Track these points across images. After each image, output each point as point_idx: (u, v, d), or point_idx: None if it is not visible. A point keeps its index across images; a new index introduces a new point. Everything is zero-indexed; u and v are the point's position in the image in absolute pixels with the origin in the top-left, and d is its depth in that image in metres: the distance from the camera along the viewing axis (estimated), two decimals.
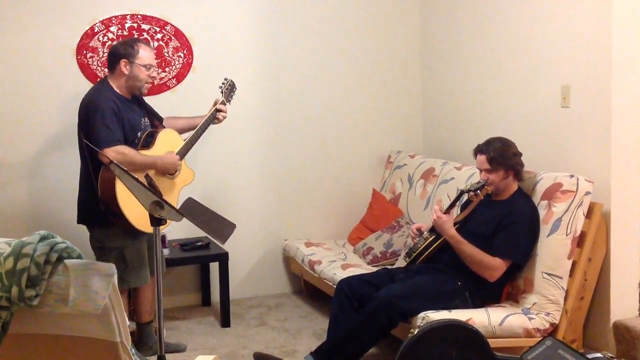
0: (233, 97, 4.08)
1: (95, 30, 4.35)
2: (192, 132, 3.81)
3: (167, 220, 2.00)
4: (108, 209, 3.43)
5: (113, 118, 3.47)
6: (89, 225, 3.68)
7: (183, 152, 3.73)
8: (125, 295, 3.65)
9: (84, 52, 4.34)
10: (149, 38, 4.42)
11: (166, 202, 1.80)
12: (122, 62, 3.56)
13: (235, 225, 2.00)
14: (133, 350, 1.96)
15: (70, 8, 4.31)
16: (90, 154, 3.44)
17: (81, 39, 4.33)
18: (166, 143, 3.68)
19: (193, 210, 1.96)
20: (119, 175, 1.95)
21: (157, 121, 3.83)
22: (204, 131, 3.84)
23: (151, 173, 3.58)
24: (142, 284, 3.68)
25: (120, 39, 4.23)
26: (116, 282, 1.84)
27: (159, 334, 1.90)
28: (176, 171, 3.70)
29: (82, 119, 3.55)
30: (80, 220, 3.70)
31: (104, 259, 3.56)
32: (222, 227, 1.93)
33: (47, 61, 4.29)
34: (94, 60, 4.36)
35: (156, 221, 1.84)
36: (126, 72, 3.57)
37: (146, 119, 3.74)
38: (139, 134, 3.63)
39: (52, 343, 1.87)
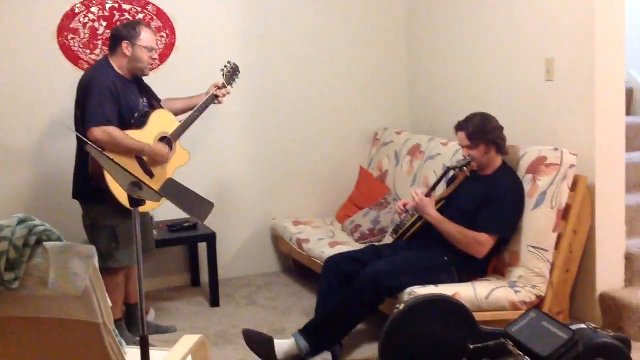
0: (236, 79, 4.07)
1: (76, 11, 4.30)
2: (188, 114, 3.83)
3: (146, 201, 1.99)
4: (98, 186, 3.42)
5: (109, 97, 3.46)
6: (82, 202, 3.67)
7: (178, 133, 3.75)
8: (122, 274, 3.64)
9: (65, 33, 4.29)
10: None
11: (143, 183, 1.79)
12: (124, 44, 3.56)
13: (213, 204, 2.00)
14: (116, 331, 1.97)
15: None
16: (84, 131, 3.44)
17: (61, 20, 4.28)
18: (159, 123, 3.68)
19: (172, 190, 1.96)
20: (96, 156, 1.94)
21: (155, 101, 3.81)
22: (201, 113, 3.86)
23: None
24: (133, 263, 3.67)
25: (121, 22, 4.24)
26: (97, 264, 1.84)
27: (141, 315, 1.91)
28: (165, 161, 3.70)
29: (79, 97, 3.55)
30: (75, 195, 3.70)
31: (95, 236, 3.55)
32: (200, 206, 1.93)
33: (27, 44, 4.24)
34: (75, 41, 4.31)
35: (135, 202, 1.83)
36: (128, 53, 3.57)
37: (144, 99, 3.74)
38: (135, 114, 3.63)
39: (34, 325, 1.87)
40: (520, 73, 4.03)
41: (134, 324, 3.82)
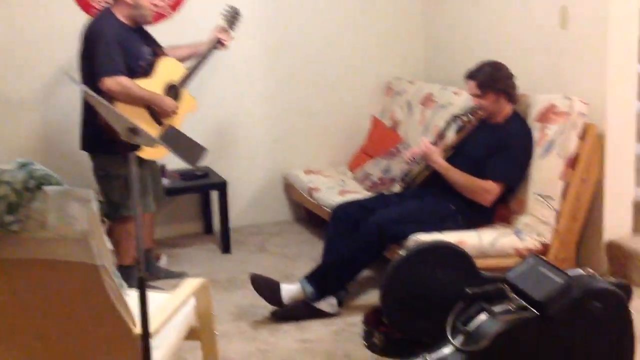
0: (237, 24, 4.04)
1: None
2: (193, 60, 3.83)
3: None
4: (110, 137, 3.46)
5: (116, 48, 3.48)
6: (93, 153, 3.71)
7: (185, 81, 3.76)
8: (132, 222, 3.70)
9: None
10: None
11: (140, 129, 1.83)
12: None
13: (205, 149, 2.03)
14: (117, 273, 2.02)
15: None
16: (91, 83, 3.45)
17: None
18: (166, 71, 3.70)
19: (167, 136, 1.99)
20: (94, 104, 1.97)
21: (158, 49, 3.81)
22: (205, 59, 3.86)
23: None
24: (146, 211, 3.73)
25: None
26: (95, 208, 1.89)
27: (140, 258, 1.96)
28: (174, 114, 3.73)
29: (85, 48, 3.55)
30: (84, 147, 3.74)
31: (108, 187, 3.61)
32: (192, 151, 1.96)
33: None
34: None
35: (131, 147, 1.87)
36: (130, 1, 3.56)
37: (149, 48, 3.74)
38: (141, 63, 3.64)
39: (35, 267, 1.94)
40: (534, 21, 3.97)
41: (147, 269, 3.91)
